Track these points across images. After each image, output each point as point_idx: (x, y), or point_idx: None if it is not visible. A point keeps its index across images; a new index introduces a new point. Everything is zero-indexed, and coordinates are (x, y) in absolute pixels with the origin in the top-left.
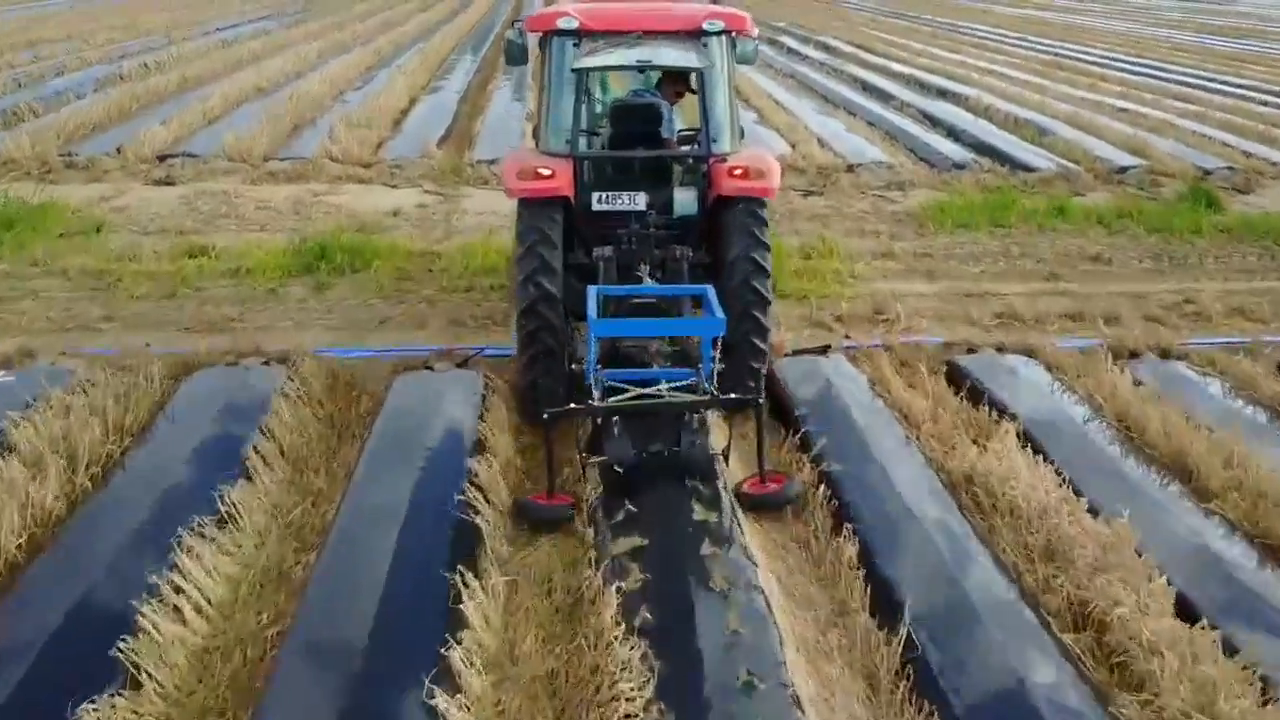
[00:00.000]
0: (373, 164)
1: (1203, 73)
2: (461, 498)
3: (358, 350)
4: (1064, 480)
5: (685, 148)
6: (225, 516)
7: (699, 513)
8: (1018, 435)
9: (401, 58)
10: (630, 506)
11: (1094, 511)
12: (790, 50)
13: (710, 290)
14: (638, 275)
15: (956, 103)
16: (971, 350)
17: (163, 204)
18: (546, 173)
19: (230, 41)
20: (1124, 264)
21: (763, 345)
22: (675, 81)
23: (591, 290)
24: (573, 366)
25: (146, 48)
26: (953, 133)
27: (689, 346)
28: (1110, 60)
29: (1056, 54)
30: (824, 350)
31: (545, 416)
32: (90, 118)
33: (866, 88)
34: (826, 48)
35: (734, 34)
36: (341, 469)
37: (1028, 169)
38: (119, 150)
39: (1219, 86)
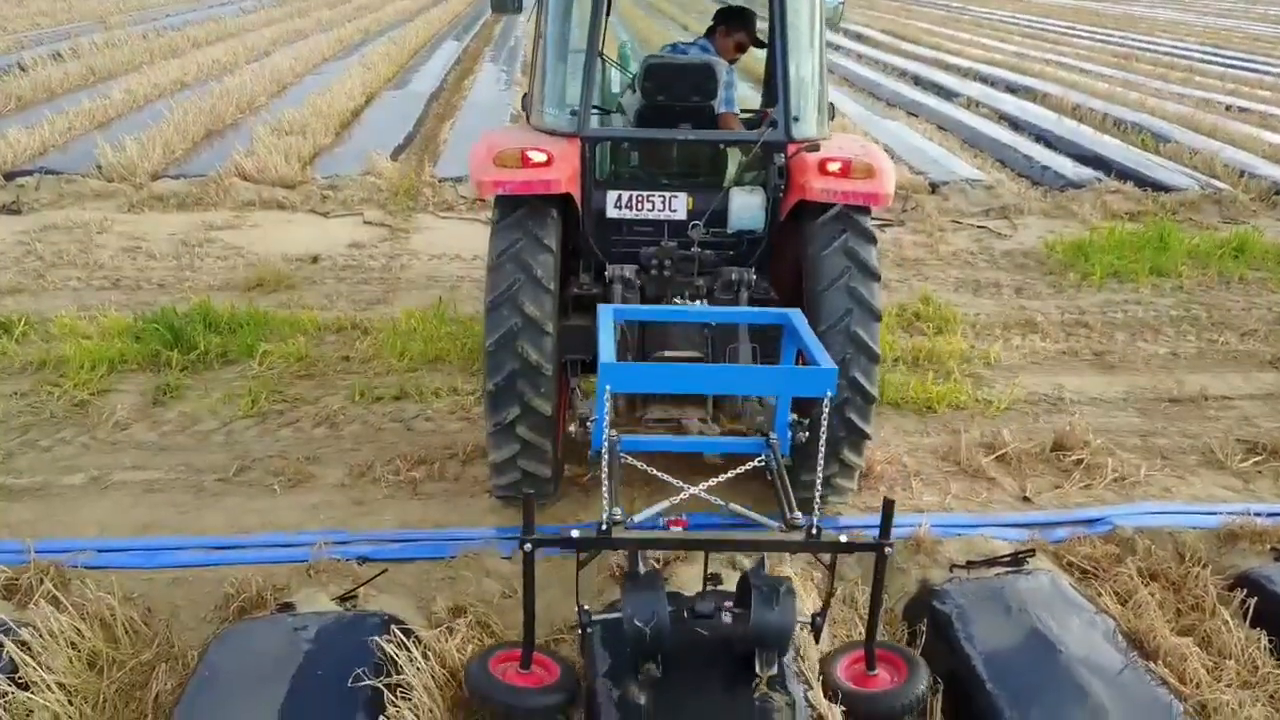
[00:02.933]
0: (299, 184)
1: None
2: None
3: (162, 550)
4: None
5: (750, 131)
6: None
7: None
8: None
9: (367, 46)
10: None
11: None
12: None
13: (797, 316)
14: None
15: (1034, 99)
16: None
17: None
18: (539, 158)
19: (176, 28)
20: None
21: (866, 429)
22: (734, 28)
23: (604, 311)
24: (572, 429)
25: (69, 35)
26: (1046, 139)
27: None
28: (1190, 52)
29: (1123, 44)
30: (1019, 559)
31: (526, 549)
32: None
33: (919, 82)
34: (860, 37)
35: None
36: None
37: (1163, 188)
38: None
39: None
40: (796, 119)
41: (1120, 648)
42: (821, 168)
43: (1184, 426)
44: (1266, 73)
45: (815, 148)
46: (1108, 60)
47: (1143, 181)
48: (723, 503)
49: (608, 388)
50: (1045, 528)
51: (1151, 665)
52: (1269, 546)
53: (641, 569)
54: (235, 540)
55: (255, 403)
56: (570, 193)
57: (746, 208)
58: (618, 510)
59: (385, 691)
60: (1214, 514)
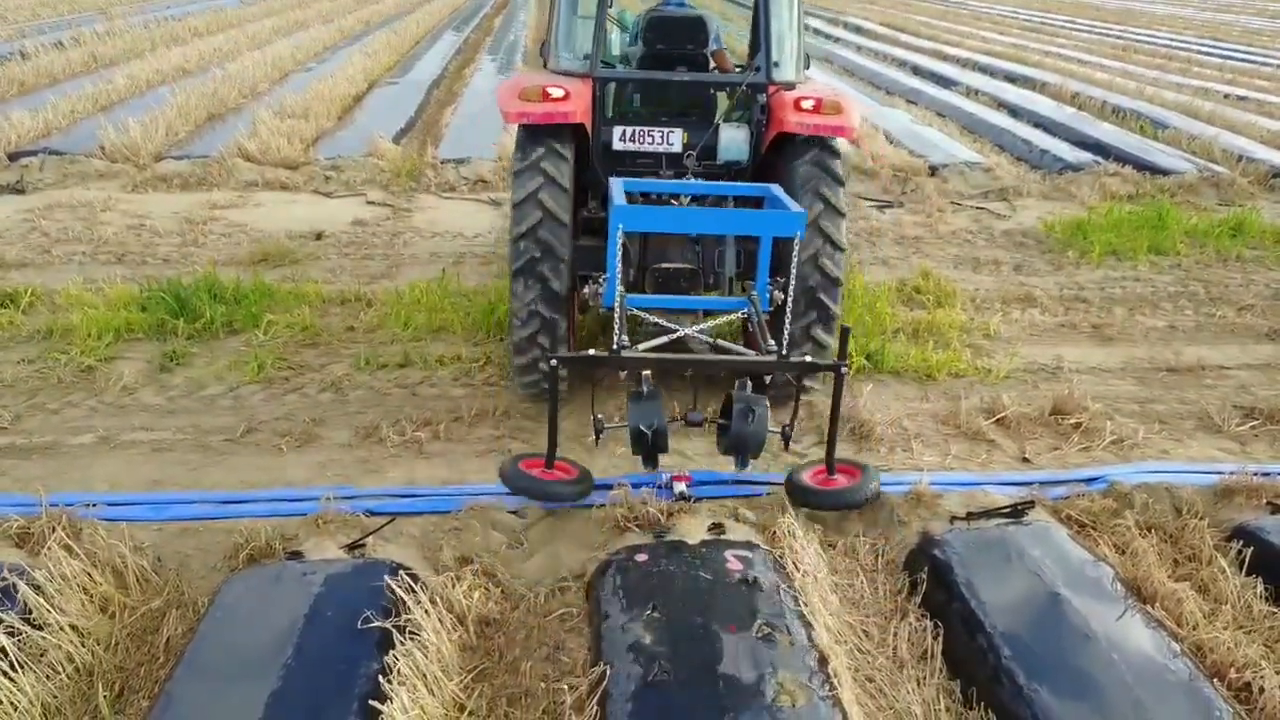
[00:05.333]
0: (301, 165)
1: None
2: None
3: (171, 504)
4: None
5: (737, 73)
6: None
7: None
8: None
9: (369, 36)
10: None
11: None
12: (819, 32)
13: (776, 188)
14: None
15: (1033, 89)
16: (1277, 508)
17: None
18: (558, 93)
19: (178, 18)
20: None
21: (834, 306)
22: None
23: (616, 181)
24: (587, 290)
25: (71, 25)
26: (1045, 125)
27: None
28: (1188, 44)
29: (1122, 37)
30: (1018, 511)
31: (552, 364)
32: None
33: (919, 71)
34: (859, 29)
35: None
36: None
37: (1160, 171)
38: None
39: None
40: (776, 64)
41: (1118, 594)
42: (797, 105)
43: (1181, 394)
44: (1264, 63)
45: (791, 87)
46: (1106, 52)
47: (1141, 165)
48: (710, 338)
49: (620, 226)
50: (1044, 486)
51: (1149, 609)
52: (1265, 500)
53: (645, 389)
54: (243, 495)
55: (261, 369)
56: (583, 123)
57: (733, 141)
58: (625, 338)
59: (394, 632)
60: (1211, 473)
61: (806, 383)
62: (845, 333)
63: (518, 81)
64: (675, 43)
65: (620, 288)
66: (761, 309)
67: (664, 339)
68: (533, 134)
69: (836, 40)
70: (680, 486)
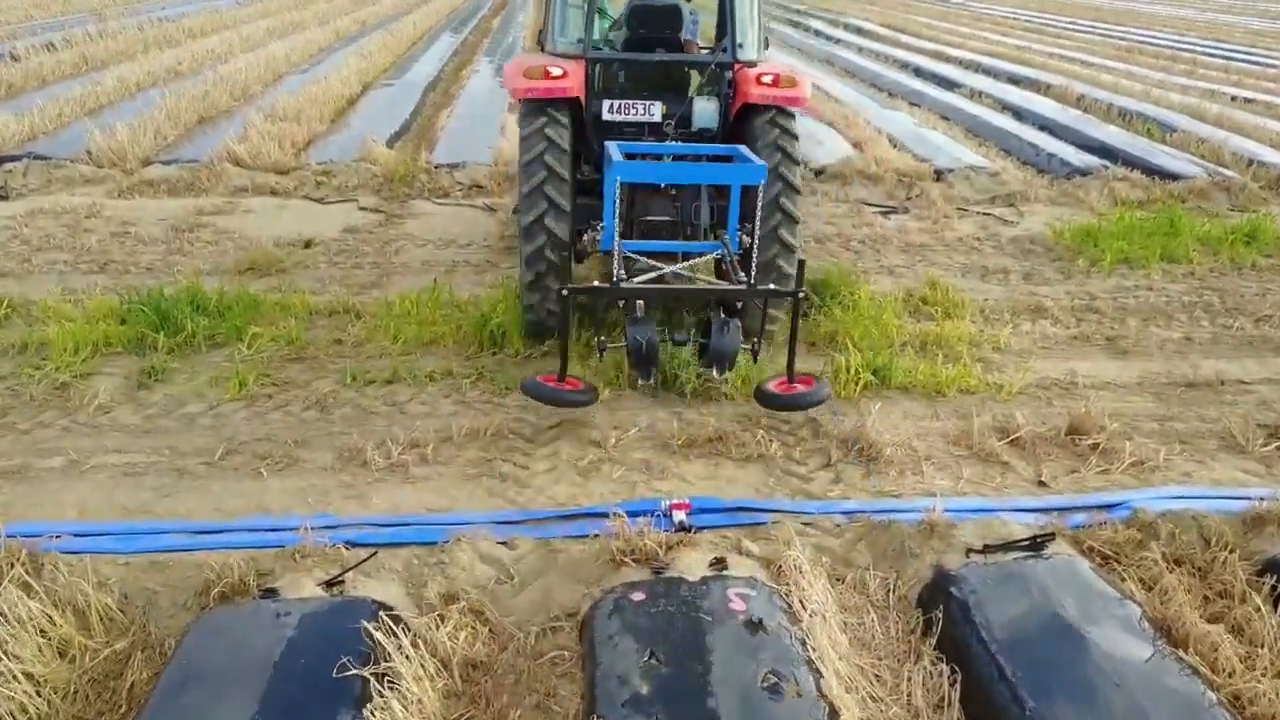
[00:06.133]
0: (293, 169)
1: None
2: None
3: (141, 535)
4: None
5: (707, 54)
6: None
7: None
8: None
9: (365, 37)
10: None
11: None
12: (819, 33)
13: (742, 148)
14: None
15: (1038, 91)
16: None
17: None
18: (557, 72)
19: (172, 19)
20: None
21: (793, 239)
22: None
23: (612, 144)
24: (585, 237)
25: (64, 26)
26: (1051, 128)
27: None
28: (1192, 45)
29: (1125, 38)
30: (1038, 543)
31: (565, 293)
32: None
33: (921, 73)
34: (860, 31)
35: None
36: None
37: (1170, 176)
38: None
39: None
40: (740, 45)
41: (1147, 636)
42: (758, 80)
43: (1201, 411)
44: (1269, 65)
45: (753, 65)
46: (1110, 53)
47: (1150, 170)
48: (693, 274)
49: (618, 179)
50: (1063, 512)
51: (1181, 654)
52: None
53: (639, 313)
54: (218, 524)
55: (243, 386)
56: (579, 97)
57: (705, 111)
58: (622, 273)
59: (372, 681)
60: (1239, 498)
61: (771, 312)
62: (801, 265)
63: (522, 62)
64: (655, 28)
65: (616, 232)
66: (733, 251)
67: (653, 274)
68: (536, 106)
69: (838, 42)
70: (680, 516)
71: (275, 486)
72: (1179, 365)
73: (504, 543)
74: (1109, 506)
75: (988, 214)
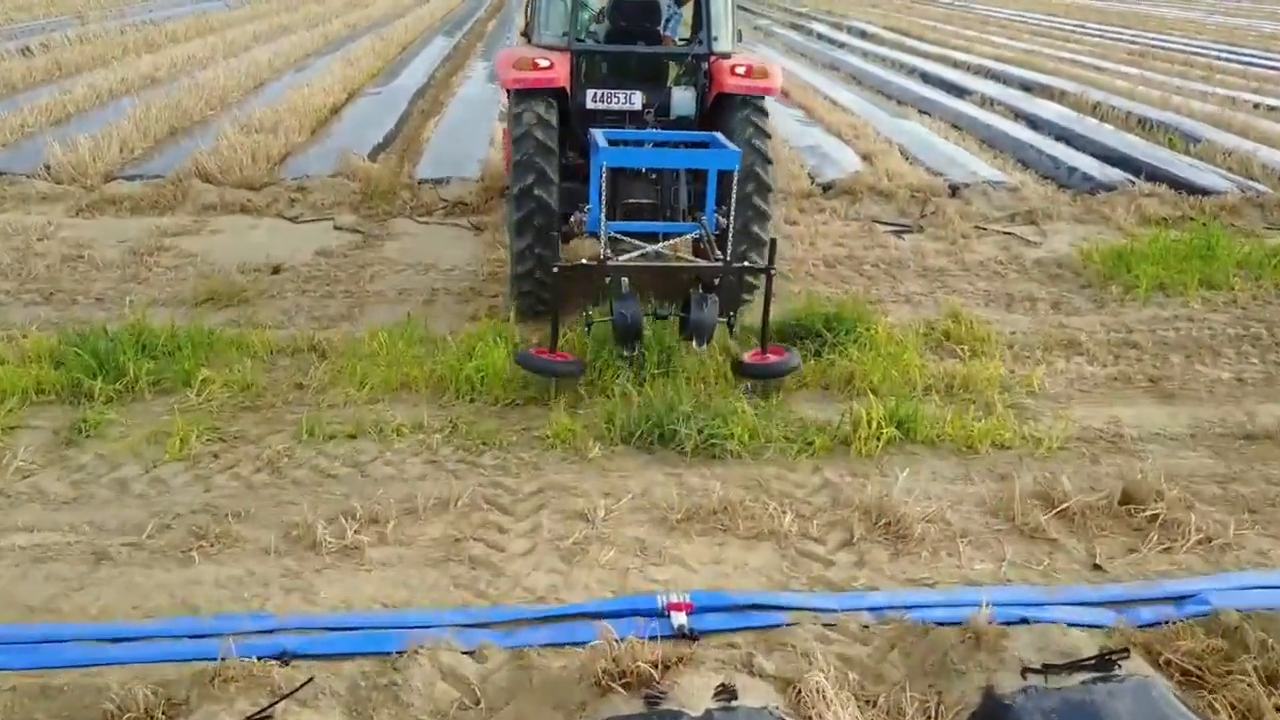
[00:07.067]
0: (266, 185)
1: None
2: None
3: (38, 644)
4: None
5: (684, 46)
6: None
7: None
8: None
9: (354, 42)
10: None
11: None
12: (822, 37)
13: (718, 135)
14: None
15: (1052, 97)
16: None
17: None
18: (545, 64)
19: (156, 23)
20: None
21: (764, 234)
22: None
23: (596, 131)
24: (573, 219)
25: (45, 28)
26: (1068, 138)
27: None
28: (1205, 49)
29: (1135, 41)
30: (1108, 662)
31: (555, 271)
32: None
33: (929, 79)
34: (863, 34)
35: None
36: None
37: (1199, 190)
38: None
39: None
40: (715, 39)
41: None
42: (733, 70)
43: (1266, 470)
44: None
45: (727, 56)
46: (1122, 58)
47: (1176, 183)
48: (672, 252)
49: (604, 165)
50: (1126, 606)
51: None
52: None
53: (624, 290)
54: (133, 628)
55: (185, 443)
56: (564, 86)
57: (683, 100)
58: (609, 252)
59: None
60: None
61: (746, 279)
62: (773, 244)
63: (512, 53)
64: (635, 21)
65: (602, 214)
66: (710, 231)
67: (637, 253)
68: (525, 96)
69: (841, 46)
70: (680, 619)
71: (208, 575)
72: (1233, 412)
73: (470, 652)
74: (1180, 599)
75: (1008, 233)
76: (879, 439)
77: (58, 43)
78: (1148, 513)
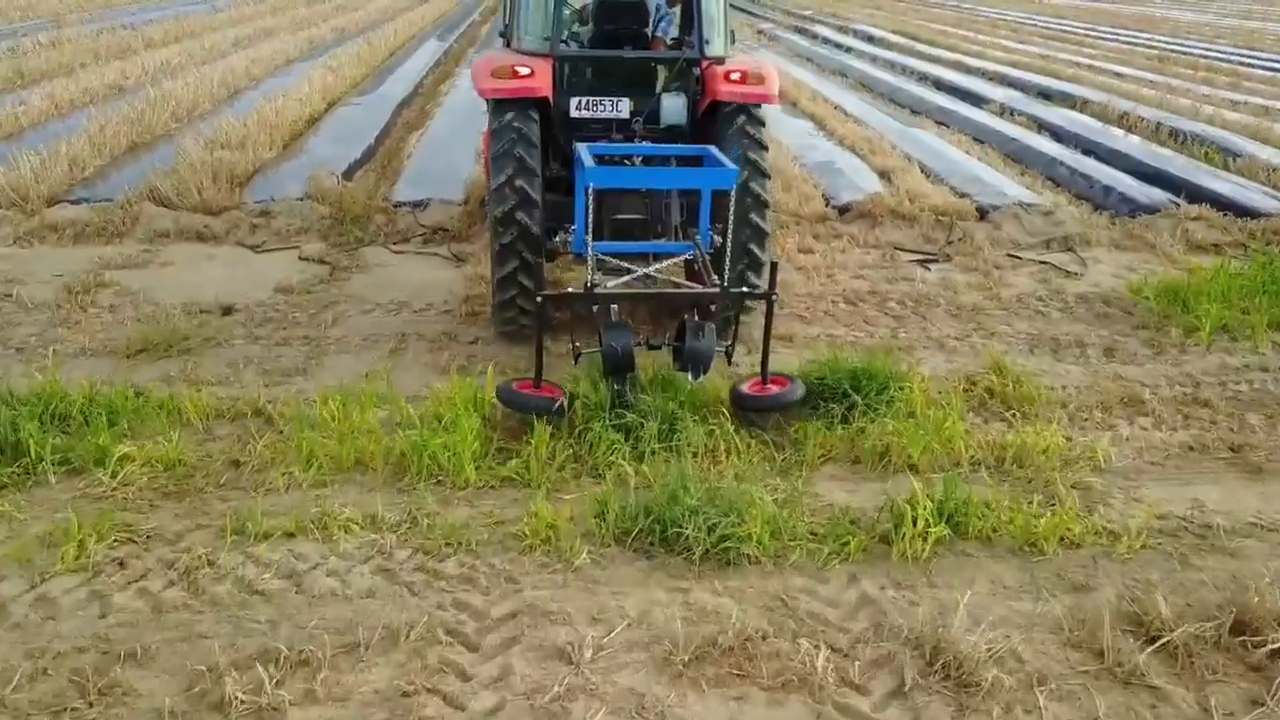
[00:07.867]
0: (227, 209)
1: None
2: None
3: None
4: None
5: (674, 50)
6: None
7: None
8: None
9: (339, 47)
10: None
11: None
12: (827, 40)
13: (713, 149)
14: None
15: (1074, 107)
16: None
17: None
18: (525, 71)
19: (134, 27)
20: None
21: (762, 255)
22: None
23: (581, 146)
24: (557, 239)
25: (19, 32)
26: (1099, 154)
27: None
28: (1225, 54)
29: (1150, 45)
30: None
31: (538, 300)
32: None
33: (942, 86)
34: (870, 38)
35: None
36: None
37: (1247, 213)
38: None
39: None
40: (708, 42)
41: None
42: (726, 76)
43: None
44: None
45: (721, 61)
46: (1141, 63)
47: (1220, 204)
48: (664, 275)
49: (590, 185)
50: None
51: None
52: None
53: (614, 318)
54: None
55: (83, 548)
56: (547, 96)
57: (673, 108)
58: (597, 275)
59: None
60: None
61: (746, 304)
62: (774, 267)
63: (490, 59)
64: (621, 23)
65: (588, 236)
66: (705, 251)
67: (627, 278)
68: (505, 106)
69: (848, 50)
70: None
71: None
72: None
73: None
74: None
75: (1045, 262)
76: (926, 540)
77: (26, 48)
78: (1268, 647)
